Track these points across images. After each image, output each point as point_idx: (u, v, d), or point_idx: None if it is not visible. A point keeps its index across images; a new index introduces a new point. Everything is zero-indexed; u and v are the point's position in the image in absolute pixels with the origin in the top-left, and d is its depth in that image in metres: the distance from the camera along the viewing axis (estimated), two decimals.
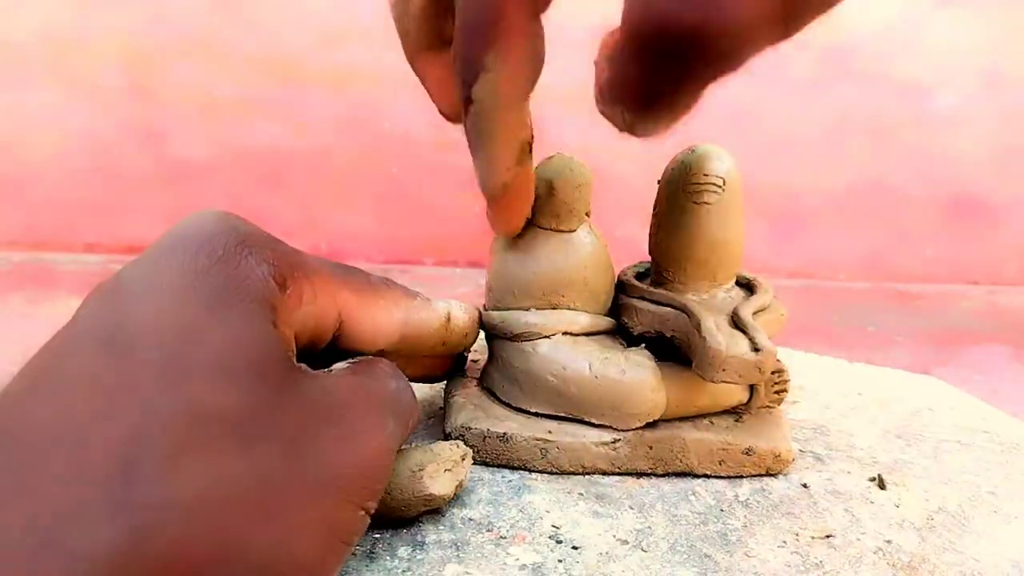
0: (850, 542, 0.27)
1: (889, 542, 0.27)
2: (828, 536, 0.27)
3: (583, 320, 0.31)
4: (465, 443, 0.31)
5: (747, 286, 0.33)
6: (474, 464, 0.32)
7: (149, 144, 0.95)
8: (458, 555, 0.25)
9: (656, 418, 0.31)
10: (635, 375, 0.30)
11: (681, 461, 0.31)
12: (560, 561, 0.25)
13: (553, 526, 0.27)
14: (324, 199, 0.95)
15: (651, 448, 0.31)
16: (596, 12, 0.95)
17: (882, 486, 0.30)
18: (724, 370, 0.28)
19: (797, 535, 0.27)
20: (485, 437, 0.31)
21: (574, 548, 0.26)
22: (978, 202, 0.96)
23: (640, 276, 0.34)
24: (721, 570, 0.25)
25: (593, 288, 0.32)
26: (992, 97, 0.92)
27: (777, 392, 0.31)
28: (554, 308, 0.31)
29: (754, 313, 0.30)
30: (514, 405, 0.32)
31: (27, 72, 0.93)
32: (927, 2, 0.88)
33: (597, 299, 0.32)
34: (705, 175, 0.30)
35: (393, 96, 0.92)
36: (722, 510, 0.29)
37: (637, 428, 0.31)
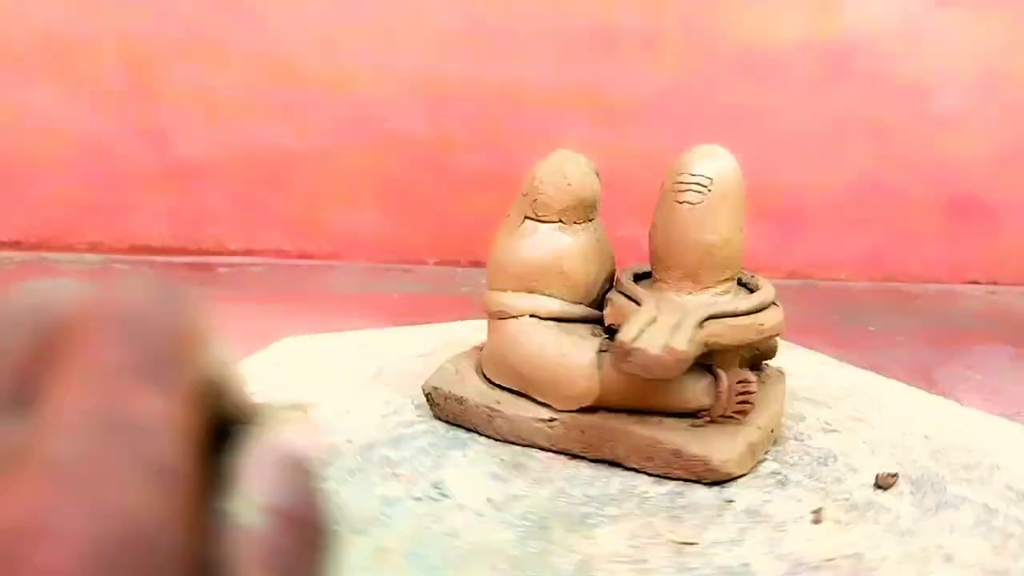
0: (702, 553, 0.26)
1: (746, 565, 0.25)
2: (688, 543, 0.27)
3: (552, 306, 0.33)
4: (431, 401, 0.34)
5: (748, 287, 0.33)
6: (437, 420, 0.35)
7: (152, 144, 0.95)
8: (347, 478, 0.27)
9: (588, 403, 0.32)
10: (573, 360, 0.31)
11: (610, 450, 0.32)
12: (417, 500, 0.27)
13: (438, 482, 0.30)
14: (326, 199, 0.95)
15: (583, 432, 0.32)
16: (597, 14, 0.96)
17: (817, 521, 0.29)
18: (628, 360, 0.29)
19: (660, 535, 0.27)
20: (446, 398, 0.34)
21: (442, 495, 0.29)
22: (978, 202, 0.96)
23: (645, 274, 0.35)
24: (548, 540, 0.26)
25: (572, 278, 0.33)
26: (992, 97, 0.92)
27: (740, 403, 0.31)
28: (529, 292, 0.33)
29: (714, 317, 0.30)
30: (486, 375, 0.35)
31: (30, 73, 0.93)
32: (927, 2, 0.88)
33: (577, 289, 0.33)
34: (692, 175, 0.31)
35: (395, 96, 0.93)
36: (611, 499, 0.29)
37: (574, 411, 0.32)
